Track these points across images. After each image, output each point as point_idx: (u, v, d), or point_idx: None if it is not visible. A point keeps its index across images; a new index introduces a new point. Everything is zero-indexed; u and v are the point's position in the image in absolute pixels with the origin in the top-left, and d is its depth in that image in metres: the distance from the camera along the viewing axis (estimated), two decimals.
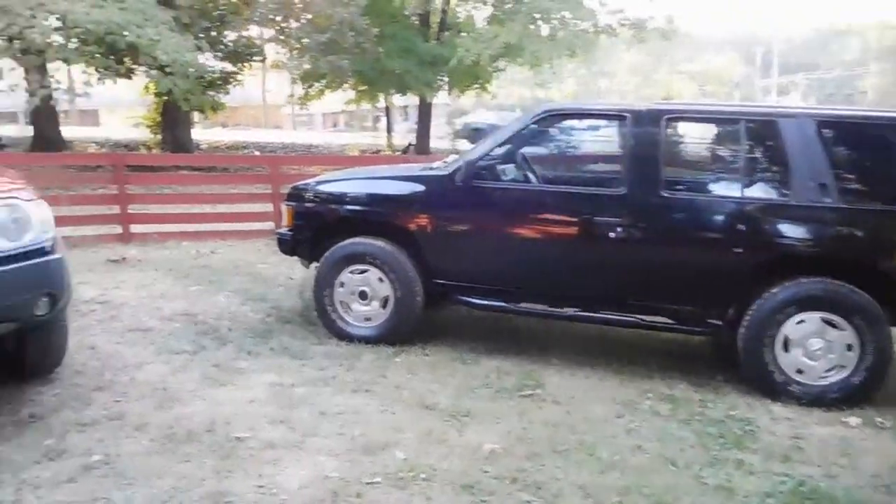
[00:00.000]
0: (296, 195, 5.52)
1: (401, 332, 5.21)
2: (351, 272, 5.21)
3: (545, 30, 17.15)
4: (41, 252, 3.83)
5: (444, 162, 5.52)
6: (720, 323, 4.70)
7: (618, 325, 5.13)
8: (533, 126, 5.18)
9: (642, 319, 4.86)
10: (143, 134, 24.92)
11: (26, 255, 3.74)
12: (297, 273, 7.38)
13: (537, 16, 16.71)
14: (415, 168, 5.90)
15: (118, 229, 9.09)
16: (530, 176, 5.43)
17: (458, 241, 5.13)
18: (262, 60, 21.30)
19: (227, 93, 22.06)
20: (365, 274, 5.18)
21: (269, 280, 7.06)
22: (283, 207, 5.58)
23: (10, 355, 4.47)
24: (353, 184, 5.59)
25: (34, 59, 13.53)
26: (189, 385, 4.49)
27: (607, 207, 4.79)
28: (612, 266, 4.82)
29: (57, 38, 12.68)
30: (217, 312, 5.95)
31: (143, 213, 9.59)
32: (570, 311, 5.02)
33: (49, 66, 14.49)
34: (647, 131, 4.77)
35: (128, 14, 11.61)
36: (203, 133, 27.04)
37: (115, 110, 57.01)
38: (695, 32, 39.50)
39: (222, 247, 8.94)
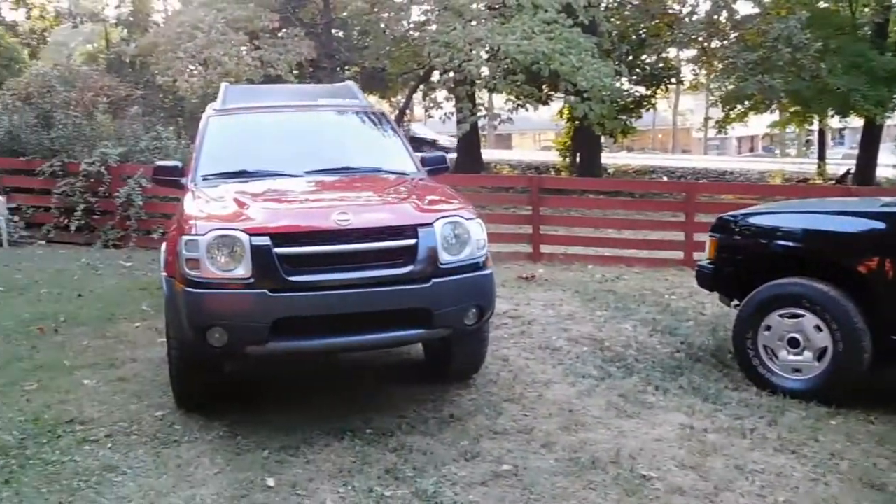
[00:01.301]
0: (722, 226, 5.27)
1: (837, 391, 4.59)
2: (781, 316, 4.76)
3: None
4: (476, 267, 4.28)
5: None
6: None
7: None
8: None
9: None
10: (553, 157, 26.80)
11: (464, 268, 4.21)
12: (709, 309, 7.09)
13: None
14: (872, 202, 5.19)
15: (528, 248, 9.83)
16: None
17: None
18: (679, 83, 21.20)
19: (640, 117, 22.54)
20: (798, 319, 4.69)
21: (678, 313, 6.88)
22: (707, 238, 5.37)
23: (436, 359, 5.10)
24: (790, 217, 5.12)
25: (465, 90, 15.52)
26: (594, 411, 4.57)
27: None
28: None
29: (481, 69, 14.28)
30: (624, 341, 5.99)
31: (552, 235, 10.20)
32: None
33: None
34: None
35: (554, 43, 12.57)
36: (609, 157, 27.94)
37: (526, 134, 62.65)
38: None
39: (628, 273, 9.02)
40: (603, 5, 15.51)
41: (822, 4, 16.27)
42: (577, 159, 23.12)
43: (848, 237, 4.72)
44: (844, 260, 4.65)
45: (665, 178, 23.17)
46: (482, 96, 24.02)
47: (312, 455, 3.94)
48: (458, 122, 14.87)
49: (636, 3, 18.49)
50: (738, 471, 3.80)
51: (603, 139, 24.92)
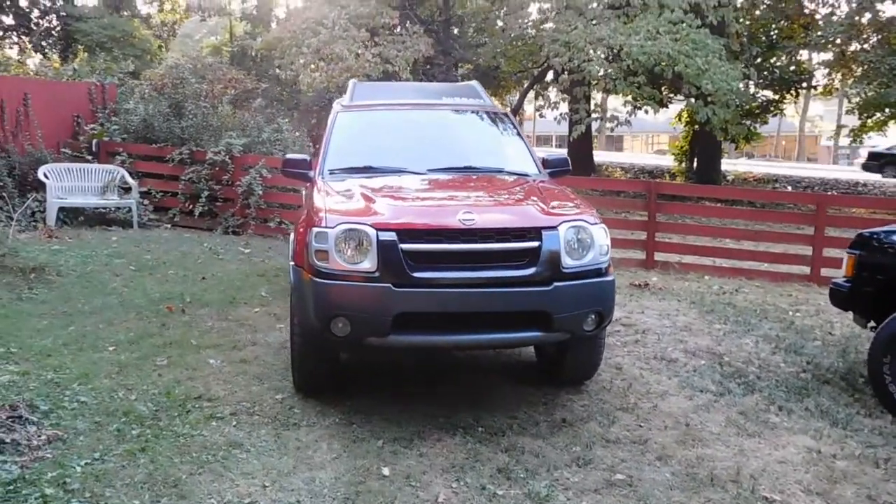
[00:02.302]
0: (863, 243, 5.04)
1: None
2: None
3: None
4: (598, 272, 4.28)
5: None
6: None
7: None
8: None
9: None
10: (667, 161, 26.12)
11: (586, 273, 4.22)
12: (837, 329, 6.80)
13: None
14: None
15: (641, 255, 9.67)
16: None
17: None
18: (811, 88, 20.24)
19: (766, 122, 21.66)
20: None
21: (804, 331, 6.62)
22: (845, 255, 5.15)
23: (549, 362, 5.13)
24: None
25: (582, 90, 15.38)
26: (712, 427, 4.48)
27: None
28: None
29: (601, 70, 14.09)
30: (744, 356, 5.83)
31: (667, 242, 10.00)
32: None
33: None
34: None
35: (679, 45, 12.28)
36: (728, 163, 27.00)
37: (638, 136, 61.39)
38: None
39: (748, 286, 8.74)
40: (733, 5, 14.96)
41: None
42: (695, 165, 22.49)
43: None
44: None
45: (790, 189, 22.19)
46: (596, 97, 23.74)
47: (425, 448, 4.06)
48: (574, 122, 14.76)
49: (769, 2, 17.78)
50: (871, 501, 3.67)
51: (723, 145, 24.16)
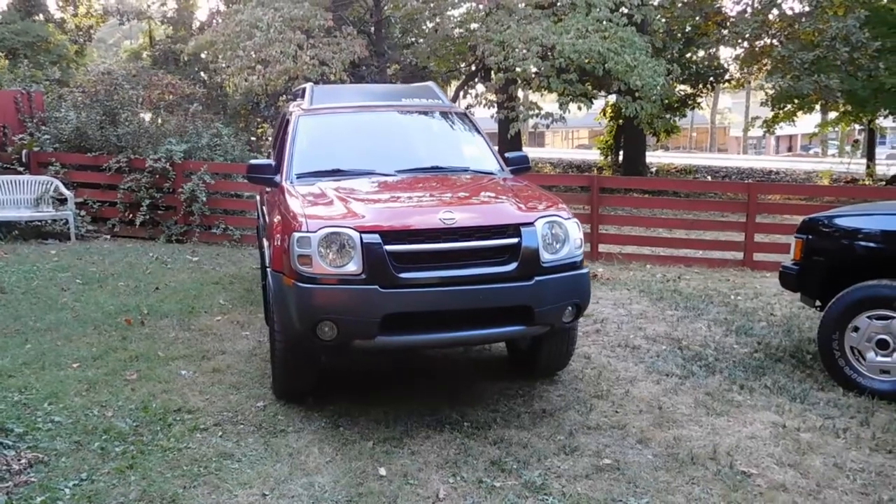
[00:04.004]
0: (809, 228, 5.31)
1: None
2: (869, 317, 4.80)
3: None
4: (574, 265, 4.39)
5: None
6: None
7: None
8: None
9: None
10: (590, 155, 26.76)
11: (563, 267, 4.32)
12: (778, 310, 7.14)
13: None
14: None
15: (586, 247, 9.87)
16: None
17: None
18: (727, 82, 21.06)
19: (685, 115, 22.41)
20: (888, 321, 4.73)
21: (748, 313, 6.92)
22: (793, 240, 5.42)
23: (521, 355, 5.22)
24: (879, 219, 5.13)
25: (515, 89, 15.59)
26: (683, 408, 4.66)
27: None
28: None
29: (535, 68, 14.31)
30: (700, 340, 6.06)
31: (608, 234, 10.25)
32: None
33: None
34: None
35: (609, 42, 12.60)
36: (650, 156, 27.79)
37: (559, 132, 62.46)
38: None
39: (688, 273, 9.07)
40: (654, 3, 15.44)
41: (882, 1, 16.04)
42: (620, 158, 23.08)
43: None
44: None
45: (709, 178, 23.04)
46: (520, 95, 24.02)
47: (416, 446, 4.09)
48: (510, 120, 14.94)
49: (685, 1, 18.41)
50: (838, 469, 3.88)
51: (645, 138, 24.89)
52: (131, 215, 10.75)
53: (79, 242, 10.40)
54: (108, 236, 10.86)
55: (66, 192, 10.61)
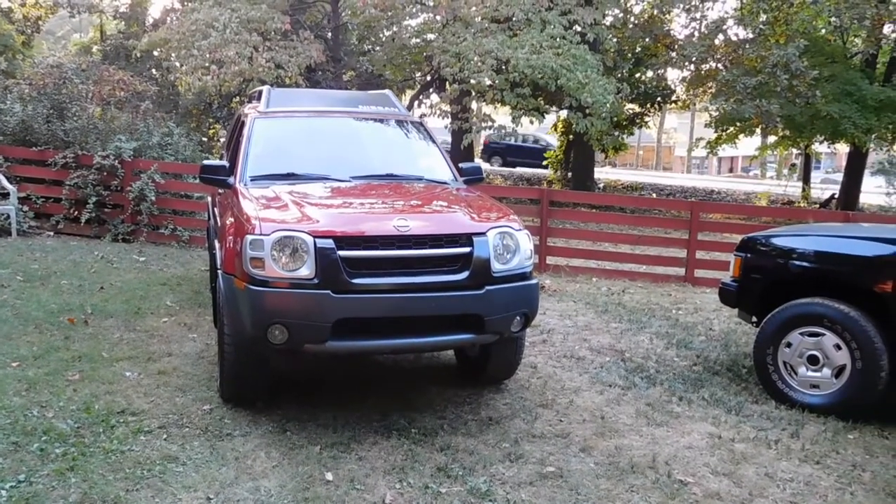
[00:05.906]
0: (748, 246, 5.50)
1: (854, 407, 4.82)
2: (801, 333, 5.00)
3: None
4: (523, 276, 4.46)
5: None
6: None
7: None
8: None
9: None
10: (541, 170, 27.13)
11: (513, 277, 4.38)
12: (716, 325, 7.34)
13: None
14: (892, 229, 5.45)
15: (535, 259, 10.00)
16: None
17: None
18: (673, 103, 21.59)
19: (632, 133, 22.88)
20: (819, 338, 4.93)
21: (689, 327, 7.11)
22: (732, 257, 5.60)
23: (469, 363, 5.27)
24: (813, 240, 5.35)
25: (470, 100, 15.67)
26: (625, 418, 4.76)
27: None
28: None
29: (486, 81, 14.41)
30: (643, 352, 6.20)
31: (556, 246, 10.39)
32: None
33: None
34: None
35: (562, 59, 12.79)
36: (597, 172, 28.28)
37: None
38: None
39: (632, 287, 9.26)
40: (606, 23, 15.75)
41: (820, 32, 16.70)
42: (569, 173, 23.40)
43: (868, 260, 4.95)
44: (865, 282, 4.88)
45: (654, 195, 23.53)
46: (473, 107, 24.19)
47: (363, 452, 4.09)
48: (463, 131, 15.02)
49: (636, 22, 18.84)
50: (769, 479, 4.02)
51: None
52: (77, 212, 10.46)
53: (20, 238, 10.07)
54: (52, 233, 10.55)
55: (9, 187, 10.27)
